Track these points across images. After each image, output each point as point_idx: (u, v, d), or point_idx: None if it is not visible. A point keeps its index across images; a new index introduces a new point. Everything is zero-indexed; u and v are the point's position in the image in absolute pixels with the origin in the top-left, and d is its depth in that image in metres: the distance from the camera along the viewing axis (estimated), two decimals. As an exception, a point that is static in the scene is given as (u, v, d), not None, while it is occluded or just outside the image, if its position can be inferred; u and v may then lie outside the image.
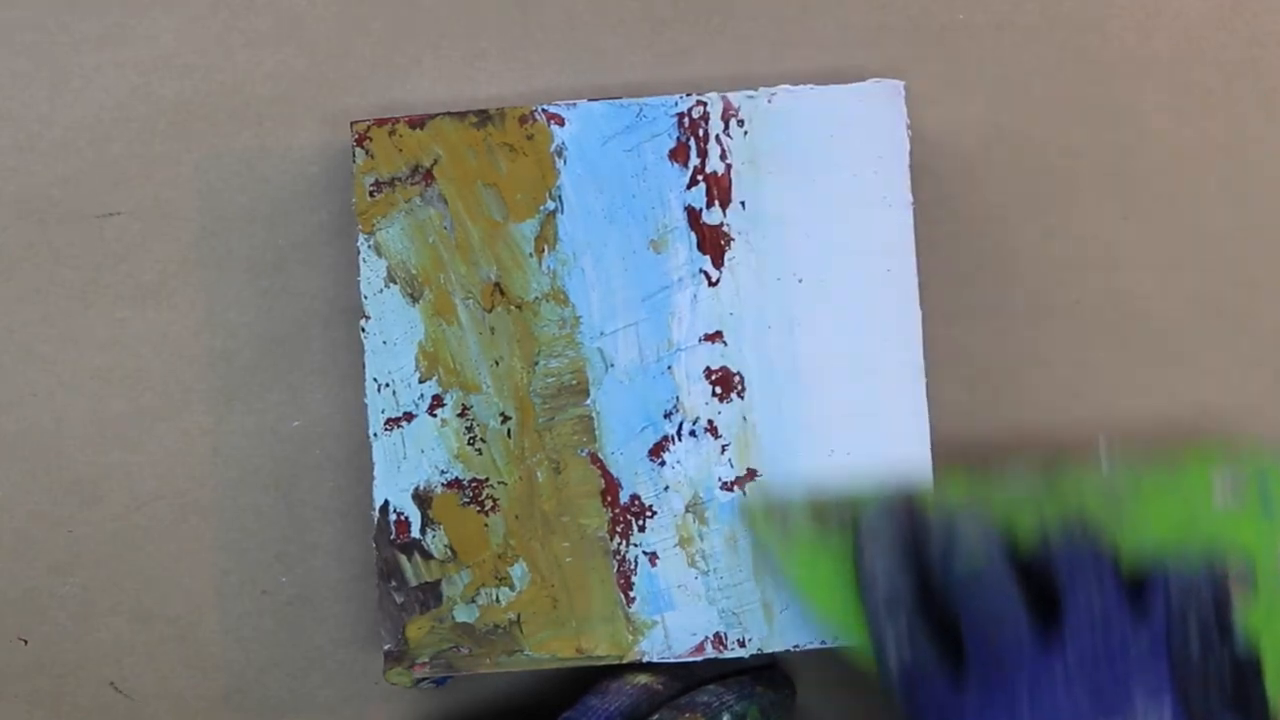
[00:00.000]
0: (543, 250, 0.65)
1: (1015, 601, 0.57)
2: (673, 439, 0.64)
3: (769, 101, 0.65)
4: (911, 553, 0.60)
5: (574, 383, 0.64)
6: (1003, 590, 0.57)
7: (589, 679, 0.66)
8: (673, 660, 0.64)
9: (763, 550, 0.64)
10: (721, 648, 0.64)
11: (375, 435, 0.65)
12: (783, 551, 0.63)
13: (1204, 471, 0.61)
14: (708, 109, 0.65)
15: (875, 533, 0.60)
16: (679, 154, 0.65)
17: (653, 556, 0.64)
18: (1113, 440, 0.64)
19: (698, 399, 0.64)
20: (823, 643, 0.64)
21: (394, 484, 0.65)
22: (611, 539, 0.64)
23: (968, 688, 0.56)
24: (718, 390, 0.64)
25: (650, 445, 0.64)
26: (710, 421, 0.64)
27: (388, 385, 0.65)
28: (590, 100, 0.65)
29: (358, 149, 0.65)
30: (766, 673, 0.68)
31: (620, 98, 0.65)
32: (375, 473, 0.65)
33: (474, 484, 0.64)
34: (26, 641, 0.71)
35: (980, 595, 0.57)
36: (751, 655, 0.65)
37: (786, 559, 0.63)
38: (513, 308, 0.65)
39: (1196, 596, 0.55)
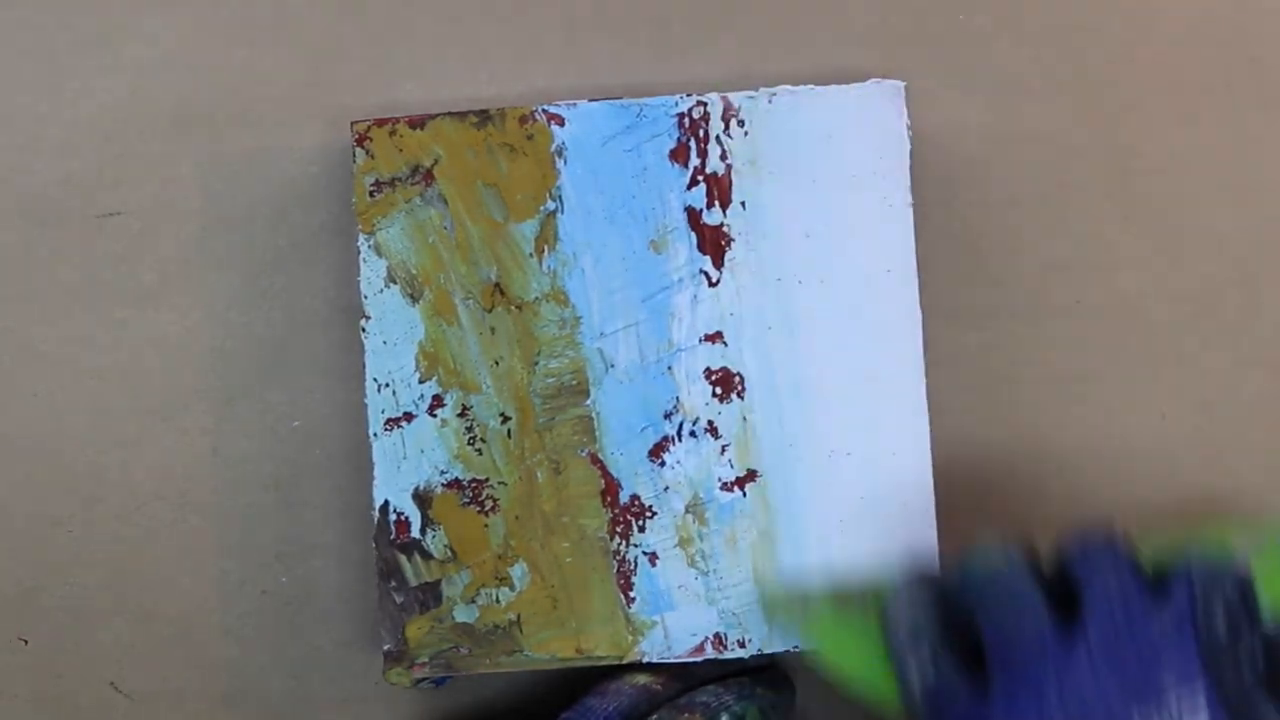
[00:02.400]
0: (543, 250, 0.65)
1: (1033, 598, 0.56)
2: (673, 439, 0.64)
3: (769, 102, 0.65)
4: (933, 589, 0.60)
5: (574, 383, 0.65)
6: (1020, 588, 0.57)
7: (588, 680, 0.66)
8: (672, 661, 0.64)
9: (784, 628, 0.64)
10: (721, 648, 0.64)
11: (375, 435, 0.65)
12: (805, 628, 0.63)
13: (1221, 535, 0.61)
14: (708, 109, 0.65)
15: (900, 588, 0.60)
16: (679, 154, 0.65)
17: (652, 557, 0.64)
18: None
19: (698, 399, 0.64)
20: (823, 643, 0.64)
21: (394, 484, 0.65)
22: (611, 539, 0.64)
23: (993, 696, 0.56)
24: (718, 391, 0.64)
25: (650, 445, 0.64)
26: (710, 422, 0.64)
27: (388, 385, 0.65)
28: (590, 100, 0.65)
29: (358, 149, 0.65)
30: (766, 673, 0.68)
31: (621, 98, 0.65)
32: (375, 473, 0.65)
33: (474, 484, 0.64)
34: (26, 641, 0.71)
35: (998, 595, 0.57)
36: (751, 656, 0.65)
37: (808, 633, 0.63)
38: (513, 308, 0.65)
39: (1220, 583, 0.55)
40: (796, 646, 0.64)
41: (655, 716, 0.64)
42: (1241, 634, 0.54)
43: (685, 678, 0.66)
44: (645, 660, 0.64)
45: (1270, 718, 0.53)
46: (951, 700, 0.57)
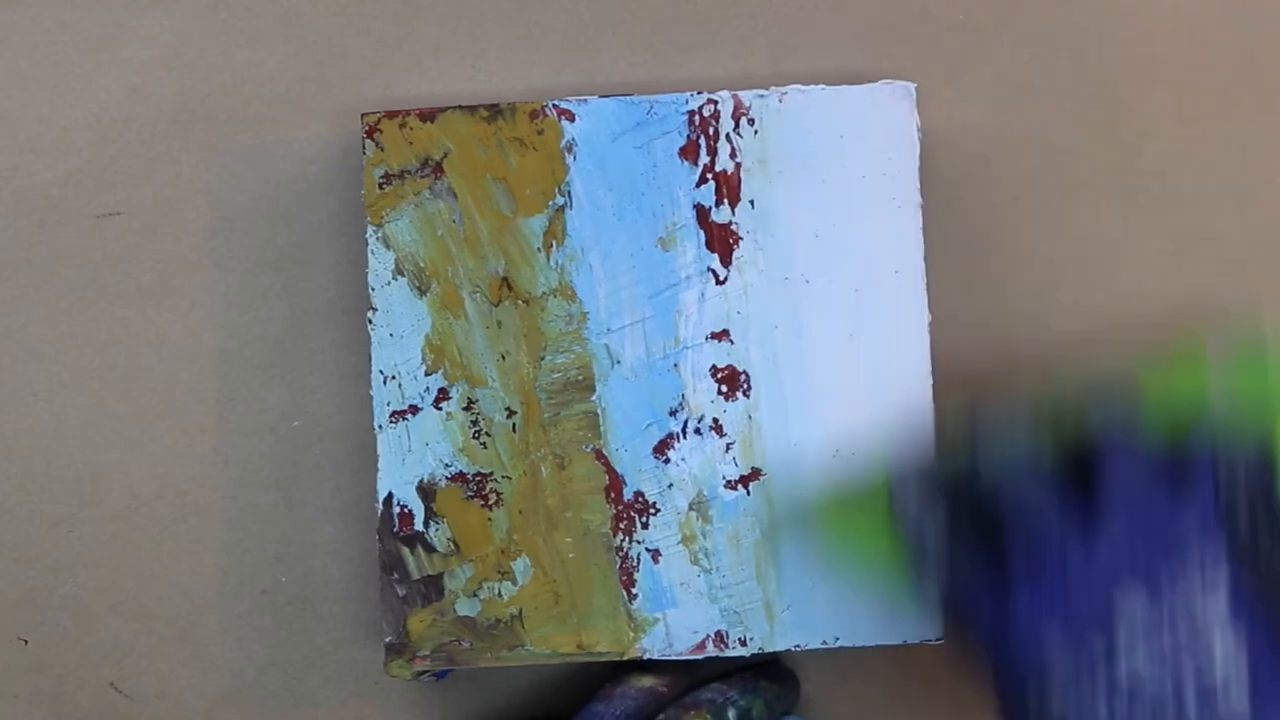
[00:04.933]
0: (551, 245, 0.65)
1: (1050, 483, 0.56)
2: (678, 436, 0.65)
3: (780, 101, 0.65)
4: (945, 489, 0.59)
5: (580, 378, 0.65)
6: (1036, 473, 0.56)
7: (593, 684, 0.66)
8: (674, 658, 0.65)
9: (795, 535, 0.64)
10: (723, 646, 0.64)
11: (380, 428, 0.65)
12: (814, 531, 0.64)
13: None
14: (719, 107, 0.65)
15: (906, 481, 0.60)
16: (689, 152, 0.65)
17: (655, 554, 0.64)
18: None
19: (703, 397, 0.65)
20: (824, 643, 0.64)
21: (398, 476, 0.65)
22: (615, 535, 0.64)
23: (1016, 589, 0.55)
24: (723, 388, 0.65)
25: (655, 442, 0.65)
26: (715, 420, 0.65)
27: (393, 378, 0.65)
28: (601, 96, 0.65)
29: (368, 141, 0.65)
30: (770, 668, 0.68)
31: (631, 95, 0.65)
32: (379, 465, 0.65)
33: (478, 478, 0.64)
34: (26, 641, 0.70)
35: (1015, 482, 0.56)
36: (753, 654, 0.65)
37: (818, 535, 0.64)
38: (520, 302, 0.65)
39: (1240, 474, 0.54)
40: (798, 645, 0.64)
41: (661, 716, 0.64)
42: (1261, 530, 0.54)
43: (689, 677, 0.66)
44: (646, 657, 0.64)
45: None
46: (973, 598, 0.56)
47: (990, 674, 0.57)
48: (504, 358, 0.65)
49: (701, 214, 0.65)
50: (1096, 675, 0.53)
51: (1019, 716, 0.55)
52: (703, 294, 0.64)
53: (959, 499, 0.59)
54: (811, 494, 0.64)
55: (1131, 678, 0.52)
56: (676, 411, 0.65)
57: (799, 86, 0.65)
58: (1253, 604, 0.53)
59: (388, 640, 0.65)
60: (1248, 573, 0.53)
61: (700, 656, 0.64)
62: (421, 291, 0.65)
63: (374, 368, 0.65)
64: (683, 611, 0.64)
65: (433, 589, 0.64)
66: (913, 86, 0.65)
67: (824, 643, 0.64)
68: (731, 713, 0.64)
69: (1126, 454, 0.56)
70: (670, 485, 0.64)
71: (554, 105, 0.65)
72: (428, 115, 0.65)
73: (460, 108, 0.65)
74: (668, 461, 0.64)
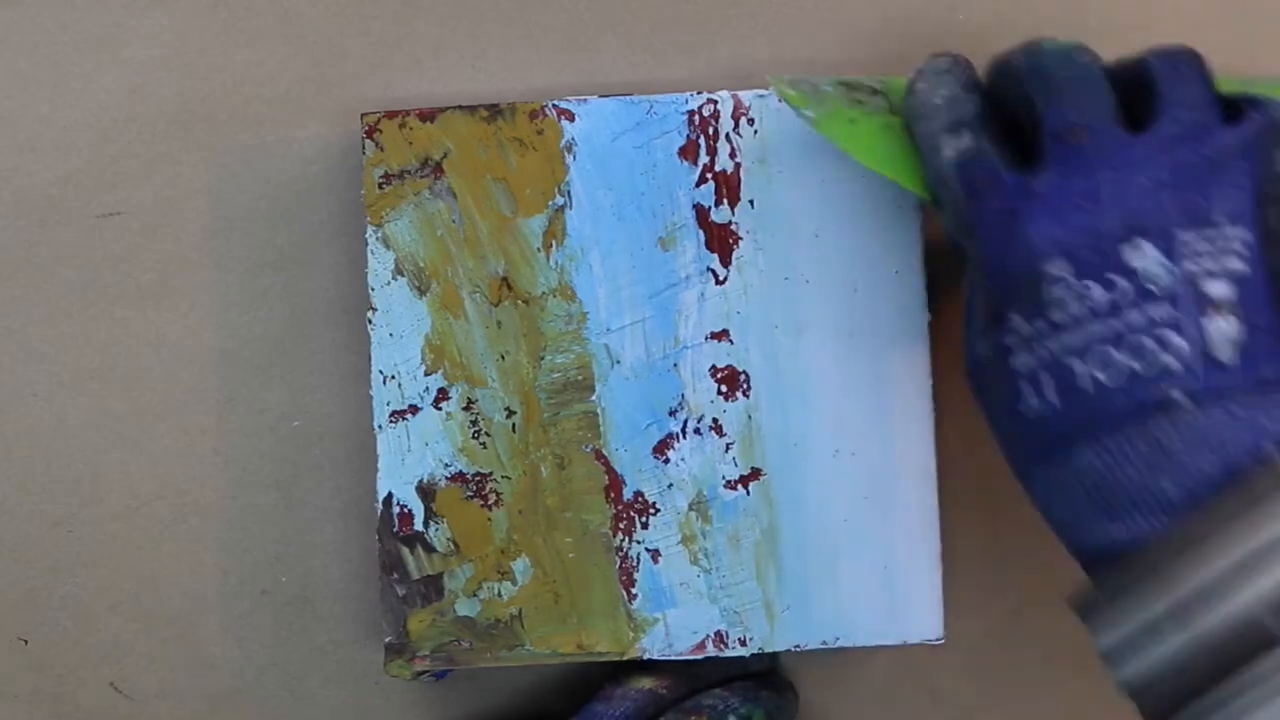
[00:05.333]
0: (551, 245, 0.65)
1: (1104, 83, 0.55)
2: (677, 436, 0.65)
3: (780, 101, 0.65)
4: (976, 84, 0.58)
5: (580, 378, 0.65)
6: (1093, 71, 0.55)
7: (593, 684, 0.67)
8: (674, 658, 0.65)
9: (800, 117, 0.61)
10: (723, 646, 0.64)
11: (380, 428, 0.65)
12: (820, 118, 0.60)
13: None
14: (718, 107, 0.65)
15: (935, 70, 0.58)
16: (689, 151, 0.65)
17: (655, 554, 0.64)
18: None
19: (703, 397, 0.65)
20: (824, 643, 0.64)
21: (398, 476, 0.65)
22: (614, 535, 0.64)
23: (1042, 172, 0.54)
24: (723, 389, 0.65)
25: (655, 442, 0.65)
26: (715, 420, 0.65)
27: (393, 378, 0.65)
28: (601, 96, 0.65)
29: (367, 141, 0.65)
30: (769, 678, 0.68)
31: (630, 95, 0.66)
32: (379, 465, 0.65)
33: (478, 478, 0.65)
34: (26, 641, 0.71)
35: (1068, 75, 0.55)
36: (753, 655, 0.65)
37: (824, 124, 0.60)
38: (520, 302, 0.65)
39: None
40: (798, 645, 0.64)
41: (662, 719, 0.64)
42: None
43: (690, 681, 0.66)
44: (646, 657, 0.64)
45: None
46: (992, 174, 0.55)
47: (981, 276, 0.55)
48: (504, 358, 0.65)
49: (701, 214, 0.65)
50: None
51: (992, 334, 0.55)
52: (702, 294, 0.64)
53: (989, 88, 0.58)
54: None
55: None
56: (676, 411, 0.65)
57: (799, 86, 0.65)
58: (1265, 241, 0.53)
59: (388, 640, 0.65)
60: (1269, 210, 0.53)
61: (700, 656, 0.64)
62: (421, 291, 0.65)
63: (374, 368, 0.65)
64: (682, 611, 0.64)
65: (433, 589, 0.64)
66: (913, 87, 0.65)
67: (824, 643, 0.64)
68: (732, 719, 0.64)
69: (1187, 69, 0.55)
70: (670, 485, 0.64)
71: (554, 105, 0.65)
72: (428, 115, 0.65)
73: (460, 108, 0.65)
74: (667, 461, 0.64)
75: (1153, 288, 0.51)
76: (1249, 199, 0.52)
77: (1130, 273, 0.51)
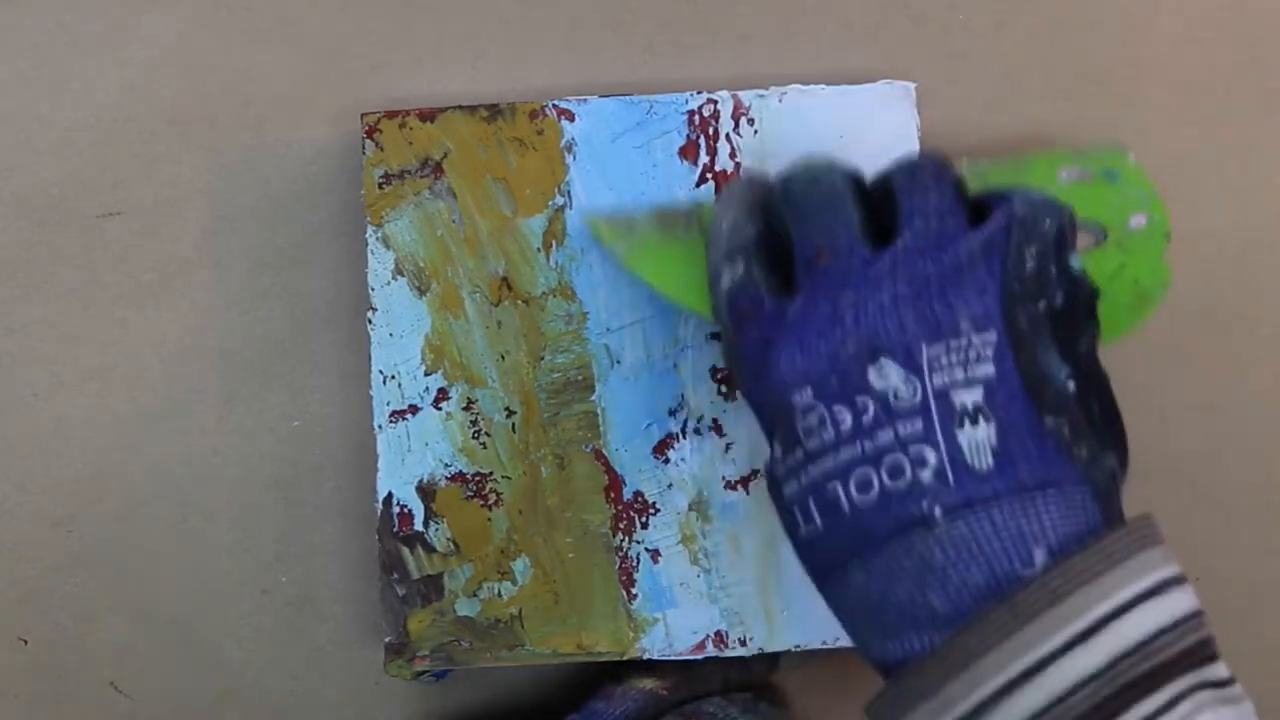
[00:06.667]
0: (551, 245, 0.65)
1: (848, 204, 0.55)
2: (677, 437, 0.65)
3: (780, 101, 0.65)
4: (759, 193, 0.58)
5: (580, 378, 0.65)
6: (837, 193, 0.55)
7: (593, 683, 0.67)
8: (673, 658, 0.65)
9: (609, 252, 0.64)
10: (722, 646, 0.64)
11: (380, 427, 0.65)
12: (628, 252, 0.63)
13: (1050, 164, 0.62)
14: (718, 107, 0.65)
15: (728, 197, 0.58)
16: (688, 151, 0.65)
17: (655, 554, 0.64)
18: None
19: (703, 397, 0.65)
20: (824, 643, 0.64)
21: (398, 476, 0.65)
22: (614, 535, 0.64)
23: (794, 300, 0.54)
24: (723, 389, 0.65)
25: (655, 442, 0.65)
26: (715, 420, 0.65)
27: (393, 378, 0.65)
28: (601, 96, 0.65)
29: (367, 141, 0.65)
30: (768, 692, 0.68)
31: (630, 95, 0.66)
32: (379, 465, 0.65)
33: (478, 478, 0.65)
34: (26, 641, 0.70)
35: (814, 198, 0.55)
36: (754, 658, 0.65)
37: (631, 257, 0.63)
38: (520, 302, 0.65)
39: (1039, 217, 0.53)
40: (798, 645, 0.64)
41: (662, 720, 0.64)
42: (1048, 269, 0.53)
43: (689, 684, 0.66)
44: (646, 657, 0.64)
45: (1048, 360, 0.52)
46: (755, 302, 0.55)
47: (749, 386, 0.56)
48: (504, 358, 0.65)
49: (701, 213, 0.65)
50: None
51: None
52: (702, 294, 0.64)
53: (767, 214, 0.58)
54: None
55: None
56: (676, 412, 0.65)
57: (799, 86, 0.65)
58: (1015, 343, 0.52)
59: (388, 640, 0.65)
60: (1023, 316, 0.52)
61: (700, 656, 0.64)
62: (421, 291, 0.65)
63: (374, 368, 0.65)
64: (682, 611, 0.64)
65: (432, 589, 0.64)
66: (913, 86, 0.65)
67: (824, 643, 0.64)
68: (730, 726, 0.64)
69: (926, 177, 0.55)
70: (670, 485, 0.64)
71: (554, 105, 0.65)
72: (428, 115, 0.65)
73: (460, 108, 0.65)
74: (667, 461, 0.64)
75: (900, 405, 0.51)
76: (995, 301, 0.52)
77: (875, 394, 0.51)
